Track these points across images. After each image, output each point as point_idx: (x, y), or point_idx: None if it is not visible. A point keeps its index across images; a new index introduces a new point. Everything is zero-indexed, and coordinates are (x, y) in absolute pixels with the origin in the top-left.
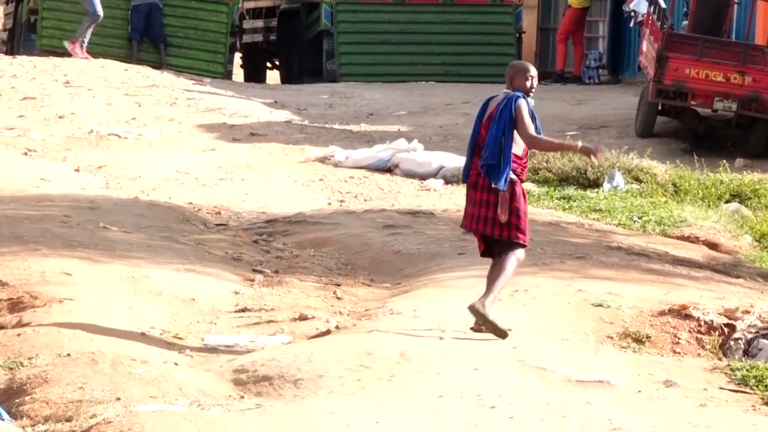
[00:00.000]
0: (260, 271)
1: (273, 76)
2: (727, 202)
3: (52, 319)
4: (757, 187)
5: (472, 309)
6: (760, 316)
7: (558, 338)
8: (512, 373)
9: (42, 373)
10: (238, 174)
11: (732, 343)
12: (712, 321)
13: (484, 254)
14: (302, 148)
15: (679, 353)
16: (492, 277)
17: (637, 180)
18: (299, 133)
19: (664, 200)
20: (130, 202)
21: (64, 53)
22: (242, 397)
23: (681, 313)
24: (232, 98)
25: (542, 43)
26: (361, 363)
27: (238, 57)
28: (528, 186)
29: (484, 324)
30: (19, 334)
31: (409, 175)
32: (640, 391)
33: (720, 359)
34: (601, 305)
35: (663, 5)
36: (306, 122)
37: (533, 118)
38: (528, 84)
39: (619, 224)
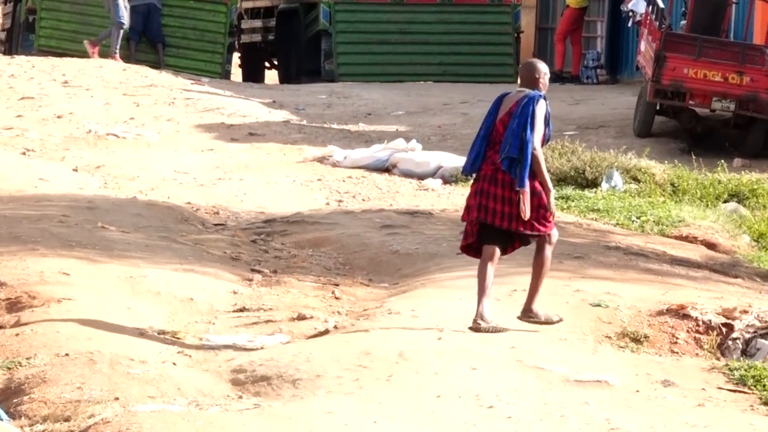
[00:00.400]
0: (258, 271)
1: (271, 76)
2: (725, 201)
3: (51, 319)
4: (755, 186)
5: (527, 321)
6: (758, 315)
7: (556, 338)
8: (510, 373)
9: (40, 373)
10: (236, 174)
11: (730, 342)
12: (710, 321)
13: (468, 248)
14: (300, 148)
15: (677, 353)
16: (534, 276)
17: (636, 180)
18: (297, 133)
19: (663, 200)
20: (128, 201)
21: (63, 53)
22: (240, 397)
23: (679, 312)
24: (231, 98)
25: (540, 42)
26: (360, 363)
27: (236, 57)
28: None
29: (540, 324)
30: (17, 334)
31: (408, 174)
32: (638, 391)
33: (718, 359)
34: (599, 305)
35: (661, 5)
36: (304, 122)
37: (546, 123)
38: (541, 83)
39: (617, 224)
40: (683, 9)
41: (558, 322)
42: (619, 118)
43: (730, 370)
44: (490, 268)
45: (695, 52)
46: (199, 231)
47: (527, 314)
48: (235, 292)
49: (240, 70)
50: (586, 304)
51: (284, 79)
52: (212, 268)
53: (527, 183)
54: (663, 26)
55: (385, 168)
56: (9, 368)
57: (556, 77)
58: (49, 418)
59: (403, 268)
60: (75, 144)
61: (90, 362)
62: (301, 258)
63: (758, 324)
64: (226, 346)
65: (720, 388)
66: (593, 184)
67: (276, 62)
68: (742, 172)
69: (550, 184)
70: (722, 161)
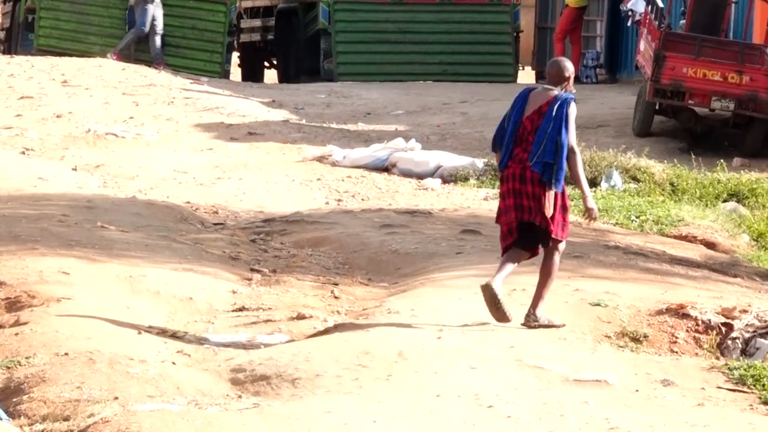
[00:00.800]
0: (258, 271)
1: (270, 76)
2: (724, 201)
3: (50, 318)
4: (755, 186)
5: (527, 325)
6: (757, 315)
7: (555, 337)
8: (510, 373)
9: (40, 372)
10: (235, 173)
11: (729, 342)
12: (709, 320)
13: (508, 248)
14: (300, 148)
15: (676, 352)
16: (540, 282)
17: (635, 179)
18: (297, 133)
19: (662, 199)
20: (127, 201)
21: (62, 52)
22: (240, 396)
23: (678, 312)
24: (230, 97)
25: (540, 42)
26: (359, 362)
27: (235, 56)
28: None
29: (542, 328)
30: (16, 334)
31: (407, 174)
32: (637, 391)
33: (717, 358)
34: (598, 304)
35: (660, 4)
36: (303, 121)
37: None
38: (570, 81)
39: (617, 223)
40: (682, 8)
41: (561, 326)
42: (619, 118)
43: (730, 369)
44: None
45: (694, 52)
46: (198, 230)
47: (530, 319)
48: (234, 292)
49: (239, 70)
50: (586, 304)
51: (283, 78)
52: (211, 267)
53: (562, 185)
54: (662, 26)
55: (384, 167)
56: (8, 367)
57: None
58: (48, 417)
59: (402, 268)
60: (74, 143)
61: (89, 361)
62: (301, 257)
63: (758, 323)
64: (226, 346)
65: (719, 387)
66: (592, 183)
67: (275, 61)
68: (742, 171)
69: (587, 188)
70: (721, 161)
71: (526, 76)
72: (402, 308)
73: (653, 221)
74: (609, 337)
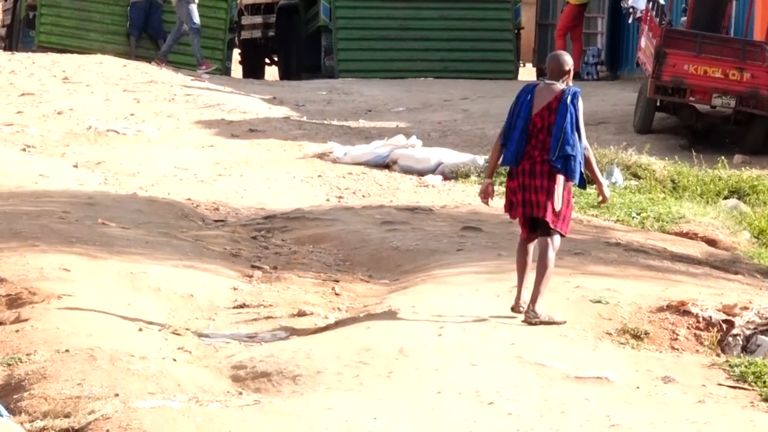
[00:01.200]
0: (259, 267)
1: (271, 72)
2: (725, 198)
3: (51, 315)
4: (756, 183)
5: (528, 322)
6: (758, 312)
7: (556, 334)
8: (511, 370)
9: (40, 369)
10: (236, 170)
11: (730, 339)
12: (710, 317)
13: (526, 241)
14: (301, 144)
15: (677, 349)
16: (537, 277)
17: (636, 176)
18: (298, 129)
19: (663, 196)
20: (128, 198)
21: (63, 49)
22: (241, 393)
23: (679, 309)
24: (231, 94)
25: (541, 39)
26: (360, 359)
27: (236, 53)
28: None
29: (543, 324)
30: (17, 330)
31: (408, 171)
32: (638, 388)
33: (718, 355)
34: (599, 301)
35: (662, 1)
36: (304, 118)
37: None
38: (570, 75)
39: (618, 220)
40: (683, 5)
41: (562, 323)
42: (620, 115)
43: (731, 366)
44: (527, 258)
45: (696, 49)
46: (199, 227)
47: (530, 315)
48: (235, 289)
49: (240, 67)
50: (587, 301)
51: (284, 75)
52: (212, 264)
53: (577, 177)
54: (663, 22)
55: (385, 164)
56: (9, 364)
57: None
58: (49, 414)
59: (403, 265)
60: (75, 140)
61: (90, 358)
62: (302, 254)
63: (758, 320)
64: (227, 342)
65: (720, 384)
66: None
67: (276, 58)
68: (743, 168)
69: (603, 179)
70: (722, 158)
71: (527, 73)
72: (403, 305)
73: (654, 218)
74: (610, 334)
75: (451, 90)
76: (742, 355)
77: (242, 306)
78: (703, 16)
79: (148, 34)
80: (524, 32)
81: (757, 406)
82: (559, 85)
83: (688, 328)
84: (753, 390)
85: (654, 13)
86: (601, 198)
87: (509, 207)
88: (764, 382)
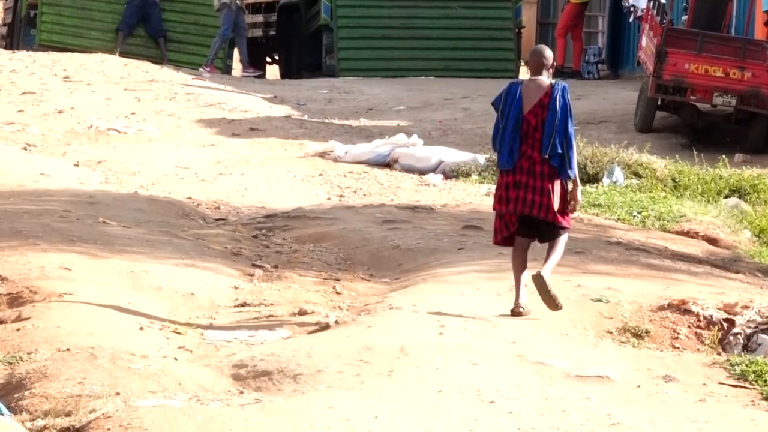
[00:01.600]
0: (260, 266)
1: (272, 71)
2: (726, 197)
3: (52, 314)
4: (757, 182)
5: (537, 278)
6: (759, 311)
7: (557, 333)
8: (511, 368)
9: (41, 368)
10: (237, 169)
11: (731, 338)
12: (711, 316)
13: (505, 240)
14: (301, 143)
15: (678, 348)
16: (549, 254)
17: (637, 175)
18: (298, 128)
19: (664, 195)
20: (129, 197)
21: (64, 48)
22: (241, 392)
23: (680, 308)
24: (232, 93)
25: (541, 38)
26: (361, 358)
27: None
28: None
29: (544, 295)
30: (18, 329)
31: (409, 170)
32: (639, 386)
33: (719, 354)
34: (600, 300)
35: (662, 0)
36: (305, 117)
37: None
38: (551, 68)
39: (619, 219)
40: (684, 4)
41: (559, 308)
42: (620, 114)
43: (732, 365)
44: (525, 258)
45: (696, 48)
46: (200, 226)
47: (540, 278)
48: (236, 287)
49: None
50: (588, 300)
51: (285, 74)
52: (213, 263)
53: (572, 173)
54: (664, 21)
55: (386, 163)
56: (10, 363)
57: (557, 72)
58: (50, 413)
59: (404, 264)
60: (76, 139)
61: (91, 357)
62: (302, 253)
63: (759, 319)
64: (227, 341)
65: (721, 383)
66: (594, 179)
67: (277, 57)
68: (744, 167)
69: (578, 178)
70: (723, 156)
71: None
72: (404, 304)
73: (655, 217)
74: (611, 332)
75: (452, 89)
76: (742, 353)
77: (243, 305)
78: (703, 15)
79: (148, 33)
80: (525, 31)
81: (758, 405)
82: (546, 80)
83: (689, 326)
84: (754, 389)
85: (655, 11)
86: (573, 202)
87: (499, 201)
88: (765, 380)
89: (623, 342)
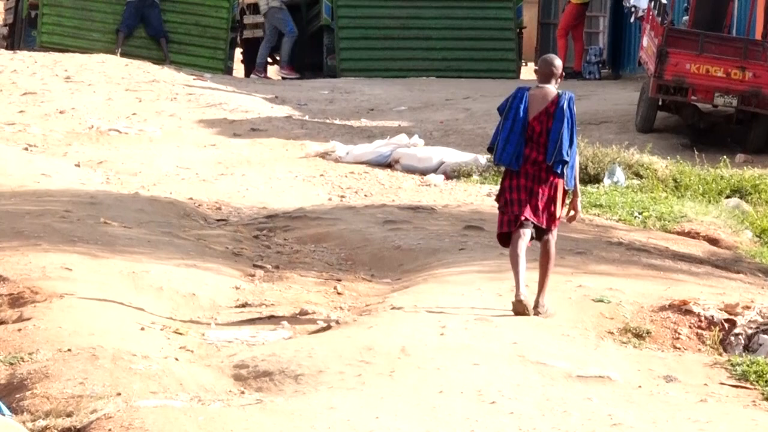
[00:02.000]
0: (261, 267)
1: (274, 72)
2: (727, 197)
3: (53, 314)
4: (758, 182)
5: (537, 314)
6: (760, 311)
7: (558, 334)
8: (513, 369)
9: (42, 368)
10: (238, 169)
11: (732, 338)
12: (712, 316)
13: (503, 236)
14: (303, 144)
15: (679, 348)
16: (542, 272)
17: (638, 175)
18: (300, 129)
19: (665, 196)
20: (130, 197)
21: (65, 49)
22: (243, 392)
23: (681, 308)
24: (233, 93)
25: (542, 38)
26: (362, 358)
27: (238, 52)
28: None
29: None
30: (19, 330)
31: (410, 170)
32: (640, 387)
33: (720, 354)
34: (601, 301)
35: (663, 0)
36: (306, 117)
37: None
38: (559, 76)
39: (620, 220)
40: (685, 4)
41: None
42: (622, 114)
43: (733, 365)
44: (524, 253)
45: (697, 48)
46: (201, 226)
47: (537, 308)
48: (237, 288)
49: (242, 66)
50: (589, 300)
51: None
52: (214, 263)
53: (572, 183)
54: (665, 22)
55: (387, 163)
56: (11, 363)
57: None
58: (51, 413)
59: (405, 264)
60: (77, 139)
61: (92, 357)
62: (304, 253)
63: (760, 320)
64: (229, 342)
65: (722, 383)
66: (595, 179)
67: (278, 58)
68: (745, 167)
69: (577, 189)
70: (724, 157)
71: (529, 72)
72: (405, 304)
73: (656, 217)
74: (612, 333)
75: (453, 89)
76: (744, 354)
77: (244, 305)
78: (704, 15)
79: (149, 34)
80: (526, 31)
81: (759, 405)
82: (553, 89)
83: (690, 327)
84: (755, 389)
85: (656, 12)
86: (573, 213)
87: (505, 203)
88: (766, 381)
89: (624, 342)
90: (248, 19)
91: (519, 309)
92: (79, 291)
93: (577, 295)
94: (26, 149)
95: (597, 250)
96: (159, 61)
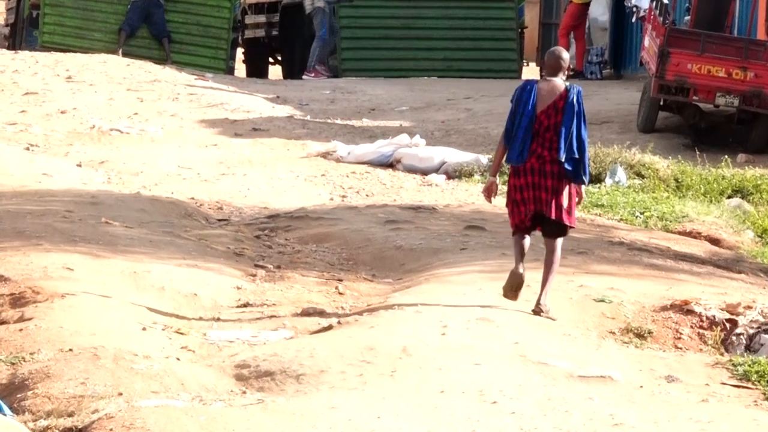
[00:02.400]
0: (262, 266)
1: (275, 72)
2: (729, 197)
3: (54, 314)
4: (759, 182)
5: (539, 314)
6: (761, 311)
7: (560, 333)
8: (514, 369)
9: (44, 368)
10: (240, 169)
11: (734, 338)
12: (713, 316)
13: (518, 229)
14: (304, 144)
15: (680, 348)
16: (547, 272)
17: (639, 175)
18: (301, 129)
19: (666, 195)
20: (132, 197)
21: (66, 49)
22: (244, 392)
23: (683, 308)
24: (234, 93)
25: (544, 38)
26: (363, 358)
27: (240, 52)
28: None
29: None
30: (21, 329)
31: (411, 170)
32: (641, 387)
33: (722, 354)
34: (603, 300)
35: (665, 0)
36: (308, 117)
37: None
38: (566, 69)
39: (621, 219)
40: (687, 4)
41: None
42: (623, 114)
43: (734, 365)
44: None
45: (699, 48)
46: (202, 226)
47: (539, 308)
48: (238, 288)
49: (244, 66)
50: (590, 300)
51: (288, 74)
52: (216, 263)
53: (587, 179)
54: (667, 22)
55: (388, 163)
56: (13, 363)
57: None
58: (52, 413)
59: (406, 264)
60: (78, 139)
61: (94, 357)
62: (305, 253)
63: (762, 319)
64: (230, 342)
65: (724, 383)
66: (597, 179)
67: (280, 58)
68: (746, 167)
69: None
70: (726, 157)
71: (531, 72)
72: (406, 304)
73: (658, 217)
74: (613, 333)
75: (454, 89)
76: (745, 354)
77: (246, 305)
78: (706, 15)
79: (151, 34)
80: (527, 31)
81: (760, 405)
82: (561, 83)
83: (691, 327)
84: (756, 389)
85: (657, 12)
86: (577, 198)
87: (513, 204)
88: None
89: (626, 342)
90: (250, 19)
91: (515, 280)
92: (80, 291)
93: (578, 295)
94: (28, 149)
95: (598, 250)
96: (160, 61)
